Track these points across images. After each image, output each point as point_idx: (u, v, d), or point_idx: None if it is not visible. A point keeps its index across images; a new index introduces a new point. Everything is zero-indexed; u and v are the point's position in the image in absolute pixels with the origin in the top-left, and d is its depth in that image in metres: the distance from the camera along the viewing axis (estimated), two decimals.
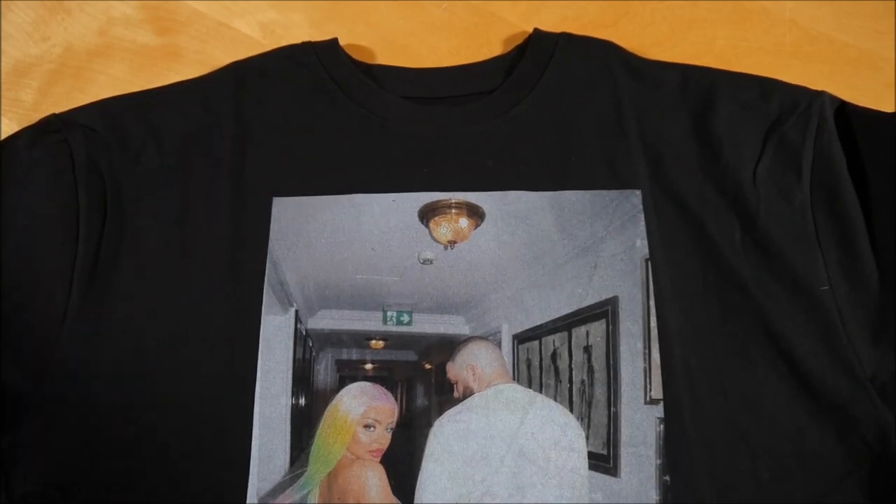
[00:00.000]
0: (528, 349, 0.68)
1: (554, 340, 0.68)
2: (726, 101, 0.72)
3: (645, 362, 0.65)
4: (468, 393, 0.67)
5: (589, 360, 0.67)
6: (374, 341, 0.70)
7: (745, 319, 0.66)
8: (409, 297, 0.70)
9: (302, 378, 0.67)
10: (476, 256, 0.69)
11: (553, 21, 0.82)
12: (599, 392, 0.65)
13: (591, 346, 0.67)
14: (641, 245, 0.68)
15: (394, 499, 0.63)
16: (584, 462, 0.63)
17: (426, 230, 0.70)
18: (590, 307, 0.67)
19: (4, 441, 0.63)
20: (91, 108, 0.74)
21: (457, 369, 0.68)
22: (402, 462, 0.64)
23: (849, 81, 0.76)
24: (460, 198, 0.70)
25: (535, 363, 0.68)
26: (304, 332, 0.69)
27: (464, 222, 0.70)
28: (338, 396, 0.67)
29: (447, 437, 0.64)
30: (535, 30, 0.79)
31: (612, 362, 0.66)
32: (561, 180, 0.70)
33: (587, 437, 0.64)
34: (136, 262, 0.68)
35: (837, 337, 0.64)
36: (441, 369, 0.69)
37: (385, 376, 0.69)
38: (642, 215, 0.69)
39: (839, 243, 0.67)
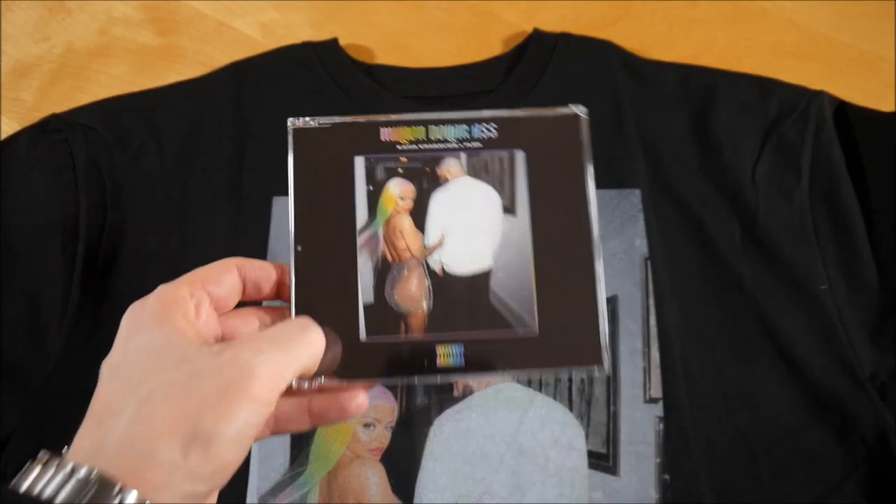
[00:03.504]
0: None
1: None
2: (726, 101, 0.72)
3: (644, 361, 0.65)
4: (468, 391, 0.66)
5: None
6: None
7: (745, 318, 0.66)
8: None
9: None
10: None
11: (553, 21, 0.82)
12: (599, 391, 0.65)
13: None
14: (641, 244, 0.68)
15: (394, 497, 0.63)
16: (584, 461, 0.63)
17: None
18: None
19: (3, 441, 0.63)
20: (91, 108, 0.74)
21: None
22: (402, 461, 0.64)
23: (848, 82, 0.76)
24: None
25: None
26: None
27: None
28: None
29: (447, 436, 0.64)
30: (535, 30, 0.79)
31: (611, 361, 0.65)
32: None
33: (587, 436, 0.64)
34: (136, 262, 0.68)
35: (836, 336, 0.64)
36: None
37: None
38: (642, 214, 0.69)
39: (838, 243, 0.67)
